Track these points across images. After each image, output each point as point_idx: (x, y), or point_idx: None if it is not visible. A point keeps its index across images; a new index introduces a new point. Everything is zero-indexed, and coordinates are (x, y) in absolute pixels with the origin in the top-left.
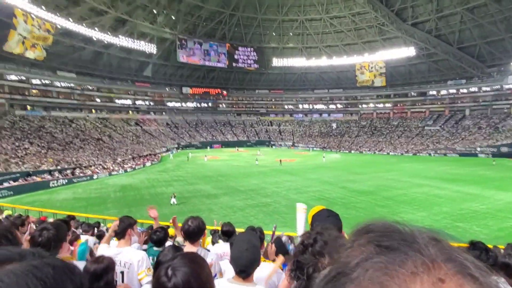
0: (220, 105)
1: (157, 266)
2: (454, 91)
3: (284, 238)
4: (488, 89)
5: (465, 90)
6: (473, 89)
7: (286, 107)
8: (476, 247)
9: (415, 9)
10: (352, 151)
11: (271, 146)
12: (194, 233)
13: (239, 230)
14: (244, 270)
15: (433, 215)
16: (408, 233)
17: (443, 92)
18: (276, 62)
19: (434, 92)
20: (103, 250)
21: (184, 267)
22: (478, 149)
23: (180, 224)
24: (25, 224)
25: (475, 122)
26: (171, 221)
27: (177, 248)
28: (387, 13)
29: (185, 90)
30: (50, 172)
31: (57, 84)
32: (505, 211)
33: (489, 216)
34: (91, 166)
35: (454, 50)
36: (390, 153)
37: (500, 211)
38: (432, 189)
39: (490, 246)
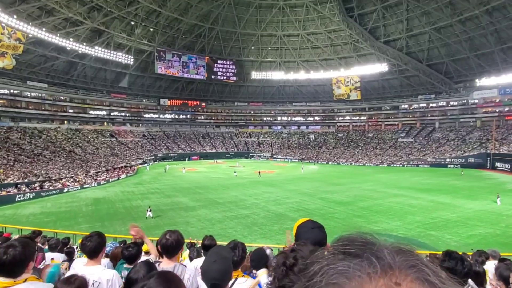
0: (199, 117)
1: (128, 284)
2: (425, 105)
3: (268, 251)
4: (455, 103)
5: (434, 104)
6: (441, 103)
7: (264, 119)
8: (452, 257)
9: (387, 28)
10: (330, 163)
11: (250, 158)
12: (172, 247)
13: (220, 243)
14: (215, 283)
15: (407, 224)
16: (373, 242)
17: (415, 106)
18: (255, 75)
19: (406, 106)
20: (73, 268)
21: (163, 285)
22: (448, 160)
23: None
24: None
25: (445, 134)
26: (133, 233)
27: (149, 264)
28: (361, 31)
29: (163, 101)
30: (16, 185)
31: (27, 94)
32: (474, 219)
33: (459, 224)
34: (61, 179)
35: (423, 67)
36: (366, 164)
37: (469, 219)
38: (406, 199)
39: (459, 253)
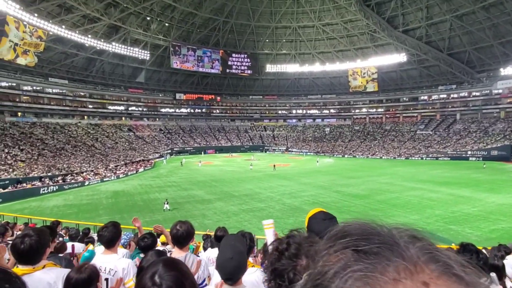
0: (214, 111)
1: (139, 272)
2: (445, 96)
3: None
4: (478, 94)
5: (455, 95)
6: (463, 94)
7: (279, 112)
8: (467, 250)
9: (405, 16)
10: (346, 156)
11: (265, 151)
12: (182, 237)
13: None
14: (231, 278)
15: (425, 218)
16: (386, 234)
17: (434, 97)
18: (270, 68)
19: (426, 97)
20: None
21: (170, 272)
22: (469, 152)
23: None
24: (7, 231)
25: (466, 126)
26: (158, 229)
27: (160, 254)
28: (378, 21)
29: (179, 96)
30: (40, 178)
31: (49, 90)
32: (497, 213)
33: (481, 218)
34: (82, 173)
35: (444, 56)
36: (383, 157)
37: (491, 213)
38: (425, 192)
39: (479, 247)
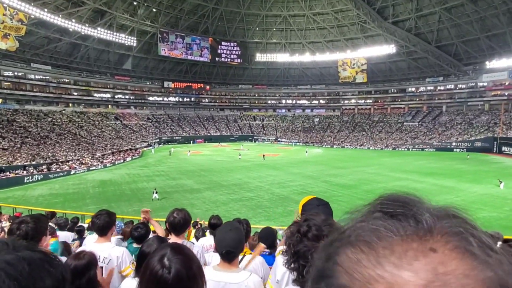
0: (203, 100)
1: (140, 257)
2: (432, 88)
3: (280, 232)
4: (463, 86)
5: (442, 87)
6: (449, 86)
7: (269, 102)
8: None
9: (395, 7)
10: (334, 146)
11: (254, 141)
12: (179, 225)
13: None
14: (230, 251)
15: None
16: (414, 204)
17: (422, 89)
18: (260, 57)
19: (413, 89)
20: (85, 244)
21: (178, 256)
22: (454, 144)
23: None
24: None
25: (451, 118)
26: (144, 217)
27: (161, 239)
28: (368, 11)
29: (167, 84)
30: (24, 167)
31: (31, 76)
32: (478, 203)
33: (463, 207)
34: (68, 161)
35: (432, 48)
36: (371, 148)
37: (473, 203)
38: (411, 182)
39: None
